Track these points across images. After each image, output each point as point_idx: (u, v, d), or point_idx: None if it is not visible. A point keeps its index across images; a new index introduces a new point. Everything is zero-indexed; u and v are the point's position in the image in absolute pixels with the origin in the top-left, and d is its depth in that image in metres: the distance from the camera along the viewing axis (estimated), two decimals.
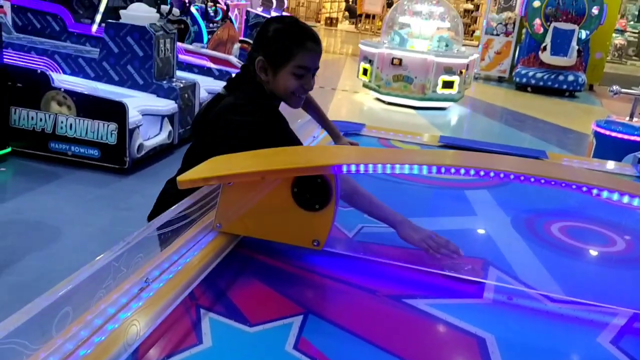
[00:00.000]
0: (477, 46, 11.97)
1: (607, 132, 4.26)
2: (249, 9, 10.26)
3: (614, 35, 14.43)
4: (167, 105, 4.83)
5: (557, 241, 1.52)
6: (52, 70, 4.36)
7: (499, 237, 1.53)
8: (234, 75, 1.68)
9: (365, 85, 8.74)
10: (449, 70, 7.95)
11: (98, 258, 0.96)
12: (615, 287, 1.32)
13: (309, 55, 1.55)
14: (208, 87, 5.52)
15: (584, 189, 1.05)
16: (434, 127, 7.15)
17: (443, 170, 1.11)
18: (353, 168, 1.12)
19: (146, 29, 4.80)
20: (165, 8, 6.34)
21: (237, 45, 8.10)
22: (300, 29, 1.56)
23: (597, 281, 1.37)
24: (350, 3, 23.19)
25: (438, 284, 1.19)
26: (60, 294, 0.85)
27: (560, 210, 1.83)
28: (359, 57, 8.78)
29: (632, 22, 17.99)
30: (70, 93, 4.22)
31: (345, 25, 22.75)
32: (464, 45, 9.35)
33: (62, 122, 4.25)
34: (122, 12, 4.99)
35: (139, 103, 4.51)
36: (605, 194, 1.05)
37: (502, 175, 1.08)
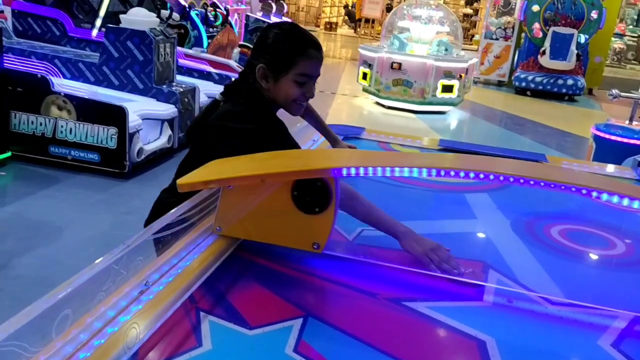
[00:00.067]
0: (477, 50, 12.00)
1: (607, 136, 4.26)
2: (248, 13, 10.29)
3: (613, 39, 14.48)
4: (167, 110, 4.84)
5: (557, 244, 1.51)
6: (52, 75, 4.36)
7: (499, 240, 1.53)
8: (232, 80, 1.68)
9: (364, 90, 8.75)
10: (448, 74, 7.96)
11: (98, 261, 0.96)
12: (615, 290, 1.31)
13: (311, 63, 1.54)
14: (208, 91, 5.53)
15: (584, 191, 1.05)
16: (433, 131, 7.15)
17: (443, 173, 1.11)
18: (353, 171, 1.11)
19: (146, 34, 4.81)
20: (165, 13, 6.35)
21: (236, 50, 8.13)
22: (302, 36, 1.55)
23: (598, 284, 1.37)
24: (350, 8, 23.26)
25: (438, 287, 1.18)
26: (60, 297, 0.85)
27: (560, 214, 1.83)
28: (359, 62, 8.79)
29: (631, 26, 18.05)
30: (70, 97, 4.22)
31: (344, 30, 22.82)
32: (463, 49, 9.37)
33: (62, 127, 4.25)
34: (122, 16, 5.00)
35: (139, 107, 4.52)
36: (604, 196, 1.05)
37: (501, 177, 1.08)
